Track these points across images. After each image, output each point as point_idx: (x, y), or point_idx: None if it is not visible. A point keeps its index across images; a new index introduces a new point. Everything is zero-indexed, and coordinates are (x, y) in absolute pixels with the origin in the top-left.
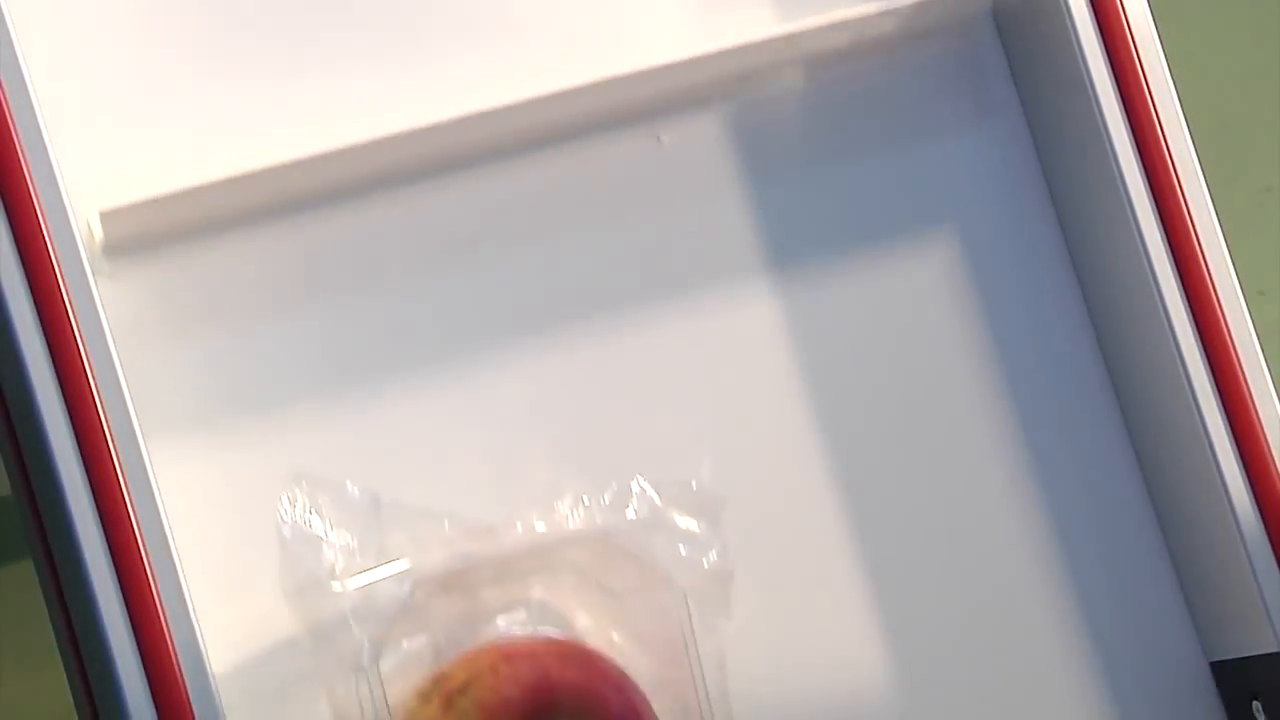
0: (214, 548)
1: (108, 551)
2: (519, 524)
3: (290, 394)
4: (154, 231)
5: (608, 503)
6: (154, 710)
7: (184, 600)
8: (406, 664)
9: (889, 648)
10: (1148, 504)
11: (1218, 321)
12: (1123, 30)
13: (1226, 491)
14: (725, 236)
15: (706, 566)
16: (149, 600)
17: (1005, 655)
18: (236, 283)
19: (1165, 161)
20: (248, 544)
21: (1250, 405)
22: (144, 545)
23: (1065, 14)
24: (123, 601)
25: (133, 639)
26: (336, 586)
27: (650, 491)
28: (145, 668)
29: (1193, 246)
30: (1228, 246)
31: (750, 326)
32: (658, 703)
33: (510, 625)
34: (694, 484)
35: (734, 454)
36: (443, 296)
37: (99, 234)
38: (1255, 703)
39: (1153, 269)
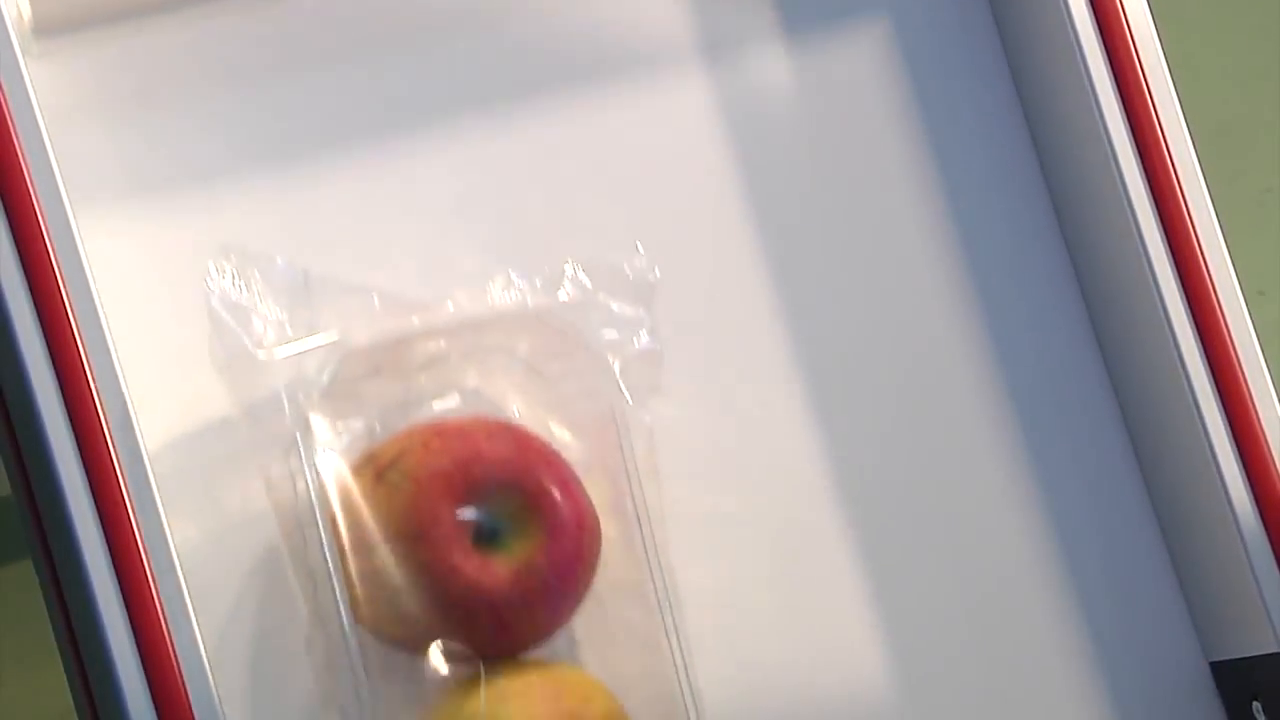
0: (146, 325)
1: (107, 550)
2: (450, 303)
3: (221, 174)
4: (83, 11)
5: (539, 286)
6: (154, 711)
7: (184, 599)
8: (340, 446)
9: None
10: (1148, 504)
11: (1218, 321)
12: (1123, 30)
13: (1226, 491)
14: (656, 23)
15: (637, 347)
16: (149, 600)
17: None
18: (167, 63)
19: (1165, 161)
20: (179, 322)
21: (1250, 405)
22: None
23: (1065, 16)
24: (122, 601)
25: (132, 639)
26: (264, 356)
27: (582, 275)
28: (145, 668)
29: (1193, 246)
30: (1228, 246)
31: (683, 113)
32: (589, 480)
33: (444, 411)
34: (626, 268)
35: (666, 239)
36: (377, 79)
37: (27, 13)
38: (1255, 703)
39: (1153, 269)
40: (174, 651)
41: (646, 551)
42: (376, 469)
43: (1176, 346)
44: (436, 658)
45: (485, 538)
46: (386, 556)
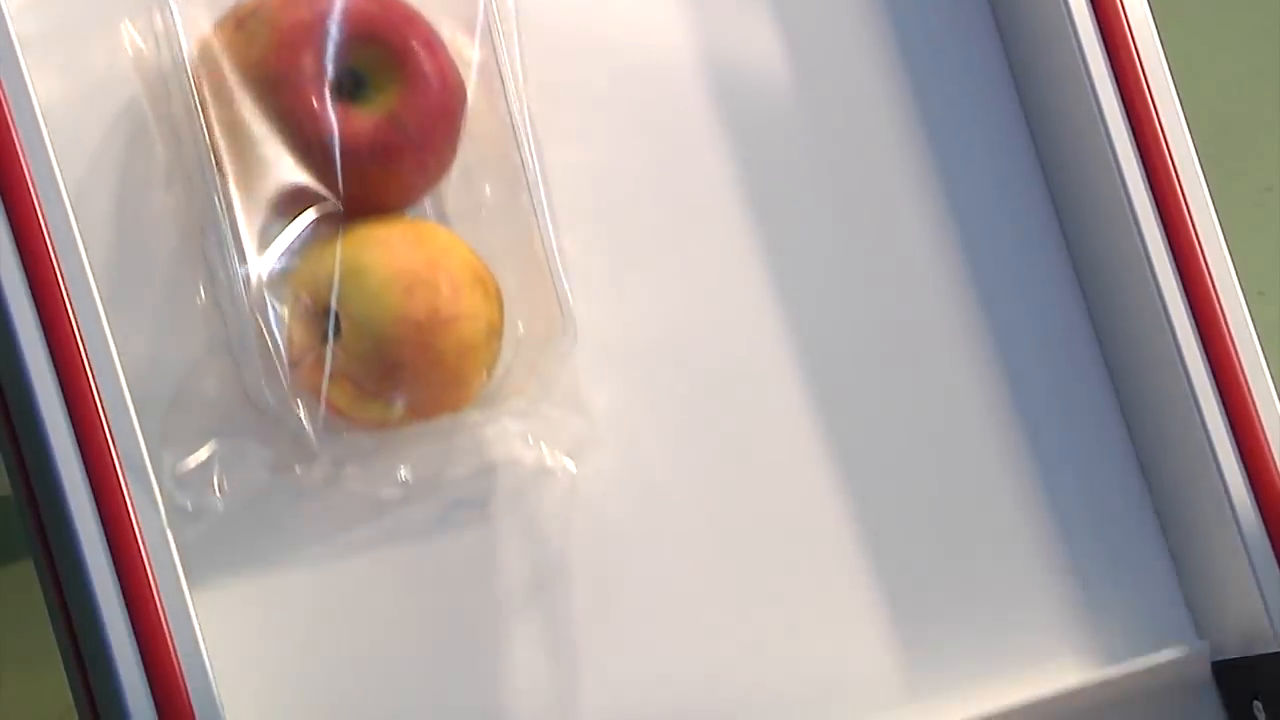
0: None
1: (108, 551)
2: None
3: None
4: None
5: None
6: (154, 711)
7: (184, 597)
8: (204, 6)
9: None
10: (1148, 504)
11: (1218, 321)
12: (1123, 31)
13: (1227, 491)
14: None
15: None
16: (149, 601)
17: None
18: None
19: (1165, 161)
20: None
21: (1250, 405)
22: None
23: (1066, 16)
24: (123, 601)
25: (133, 639)
26: None
27: None
28: (145, 668)
29: (1193, 246)
30: (1228, 246)
31: None
32: (454, 46)
33: None
34: None
35: None
36: None
37: None
38: (1255, 703)
39: (1153, 269)
40: (173, 647)
41: (513, 117)
42: (237, 18)
43: (1177, 346)
44: (299, 208)
45: (347, 90)
46: (247, 104)
